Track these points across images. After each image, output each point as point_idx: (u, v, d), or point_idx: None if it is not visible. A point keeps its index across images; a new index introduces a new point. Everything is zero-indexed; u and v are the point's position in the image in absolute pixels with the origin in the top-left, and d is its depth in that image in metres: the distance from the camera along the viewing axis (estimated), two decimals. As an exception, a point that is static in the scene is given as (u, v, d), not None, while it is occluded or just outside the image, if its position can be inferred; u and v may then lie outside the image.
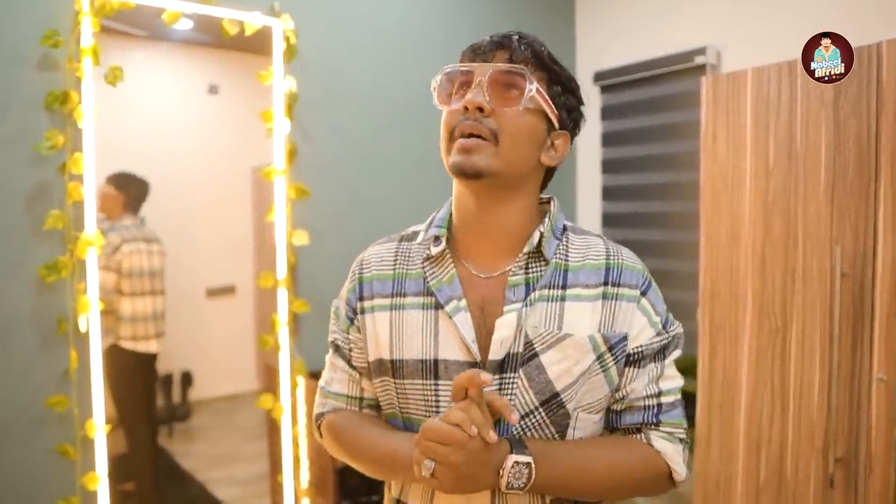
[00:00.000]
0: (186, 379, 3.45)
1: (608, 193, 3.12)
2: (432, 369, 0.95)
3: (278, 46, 2.35)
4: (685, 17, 2.73)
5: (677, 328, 1.03)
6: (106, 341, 2.16)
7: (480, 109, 0.91)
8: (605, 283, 0.97)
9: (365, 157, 2.55)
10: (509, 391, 0.93)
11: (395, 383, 0.98)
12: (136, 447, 2.42)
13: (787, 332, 1.94)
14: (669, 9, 2.79)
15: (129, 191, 2.49)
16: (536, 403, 0.93)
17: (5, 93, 1.93)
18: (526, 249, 0.97)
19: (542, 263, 0.97)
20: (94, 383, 2.05)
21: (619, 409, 1.00)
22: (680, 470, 0.99)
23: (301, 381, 2.51)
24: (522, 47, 0.95)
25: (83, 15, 1.98)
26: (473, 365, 0.93)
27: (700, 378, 2.19)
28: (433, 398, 0.96)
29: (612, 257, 0.99)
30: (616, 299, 0.97)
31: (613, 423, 1.01)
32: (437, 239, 1.00)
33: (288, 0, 2.38)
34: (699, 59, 2.60)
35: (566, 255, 0.99)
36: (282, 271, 2.41)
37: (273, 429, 2.62)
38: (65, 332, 2.00)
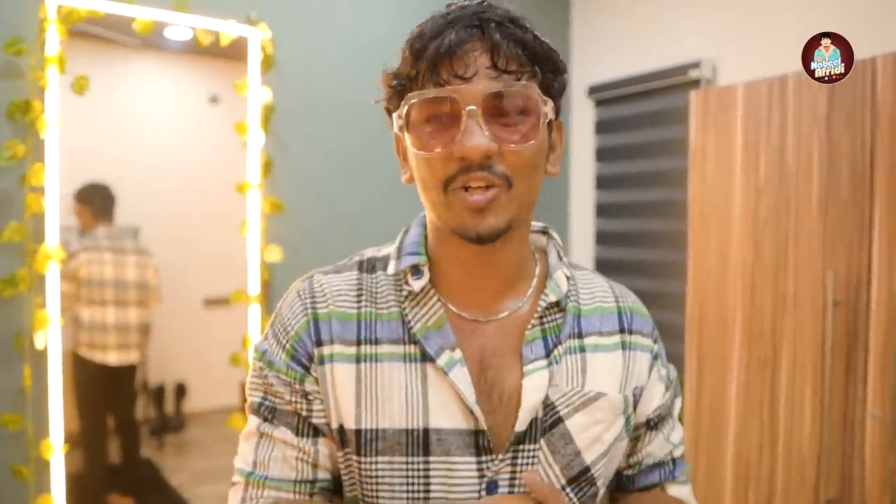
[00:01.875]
0: (181, 390, 3.38)
1: (602, 210, 3.01)
2: (421, 442, 0.73)
3: (254, 57, 2.28)
4: (681, 30, 2.63)
5: (672, 370, 0.90)
6: (68, 349, 2.10)
7: (488, 156, 0.68)
8: (622, 331, 0.83)
9: (343, 170, 2.47)
10: (527, 467, 0.75)
11: (360, 462, 0.74)
12: (87, 462, 2.36)
13: (778, 362, 1.83)
14: (666, 21, 2.70)
15: (93, 202, 2.44)
16: (563, 482, 0.76)
17: (-34, 101, 1.88)
18: (552, 298, 0.78)
19: (556, 309, 0.79)
20: (52, 402, 1.97)
21: (631, 473, 0.87)
22: None
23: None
24: (507, 41, 0.69)
25: (48, 23, 1.92)
26: (476, 434, 0.73)
27: (686, 407, 2.08)
28: (420, 482, 0.73)
29: (620, 299, 0.86)
30: (632, 349, 0.83)
31: (624, 486, 0.88)
32: (416, 270, 0.77)
33: (265, 9, 2.31)
34: (694, 73, 2.50)
35: (577, 297, 0.82)
36: (254, 287, 2.33)
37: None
38: (21, 348, 1.93)
